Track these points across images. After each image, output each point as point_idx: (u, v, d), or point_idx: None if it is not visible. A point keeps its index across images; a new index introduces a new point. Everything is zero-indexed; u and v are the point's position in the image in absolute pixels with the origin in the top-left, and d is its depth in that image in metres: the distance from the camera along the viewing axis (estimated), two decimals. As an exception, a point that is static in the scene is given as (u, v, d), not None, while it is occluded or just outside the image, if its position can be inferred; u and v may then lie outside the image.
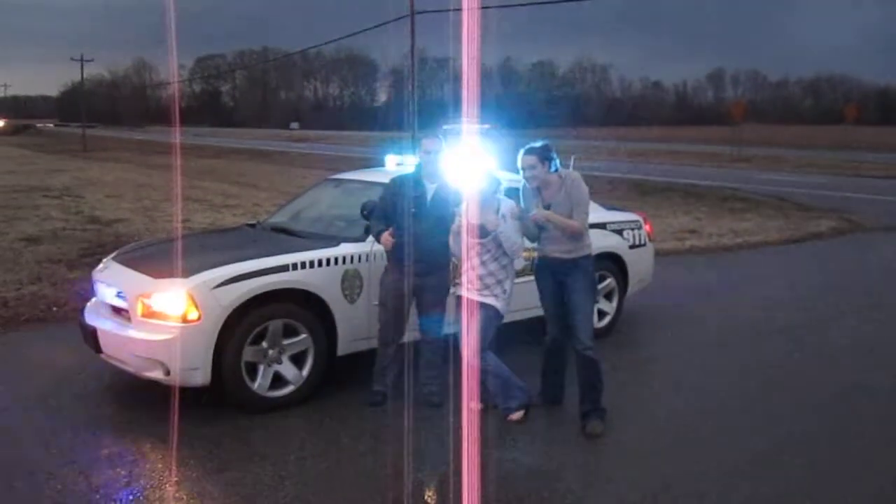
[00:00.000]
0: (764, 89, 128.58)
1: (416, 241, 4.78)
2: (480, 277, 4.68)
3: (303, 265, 4.92)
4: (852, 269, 10.83)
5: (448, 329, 5.05)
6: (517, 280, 4.99)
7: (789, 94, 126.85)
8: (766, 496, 3.92)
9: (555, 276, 4.81)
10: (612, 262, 6.71)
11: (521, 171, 4.74)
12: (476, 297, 4.70)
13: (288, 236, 5.59)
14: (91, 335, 4.96)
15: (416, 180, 4.98)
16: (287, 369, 4.90)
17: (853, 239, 13.73)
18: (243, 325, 4.67)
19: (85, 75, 58.56)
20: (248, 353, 4.72)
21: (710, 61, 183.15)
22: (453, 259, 4.94)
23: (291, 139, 71.64)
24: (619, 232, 6.81)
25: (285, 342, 4.88)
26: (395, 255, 4.84)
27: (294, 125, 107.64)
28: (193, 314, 4.54)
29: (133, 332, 4.71)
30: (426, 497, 3.84)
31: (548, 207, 4.69)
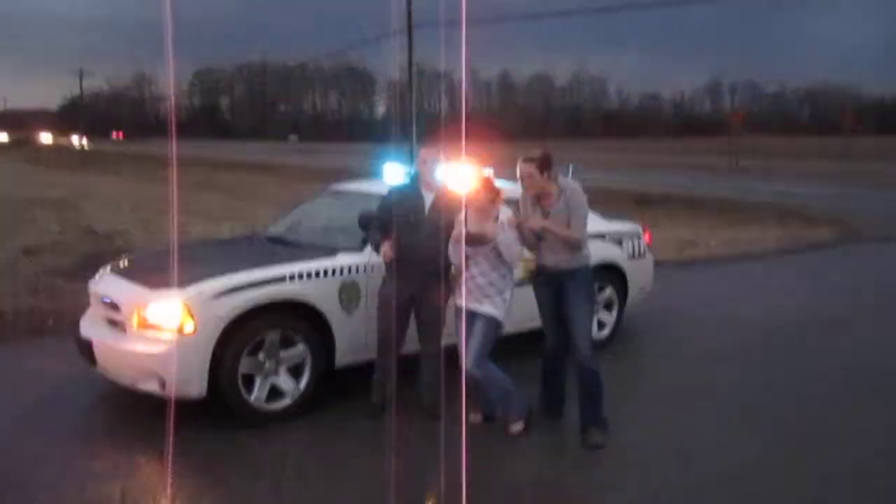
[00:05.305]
0: (761, 100, 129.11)
1: (414, 250, 4.74)
2: (480, 287, 4.64)
3: (300, 276, 4.89)
4: (853, 277, 10.79)
5: (447, 339, 5.00)
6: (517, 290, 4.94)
7: (787, 105, 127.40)
8: (769, 501, 3.88)
9: (552, 285, 4.77)
10: (612, 273, 6.67)
11: (520, 180, 4.71)
12: (476, 307, 4.66)
13: (285, 247, 5.56)
14: (87, 347, 4.91)
15: (413, 190, 4.96)
16: (284, 381, 4.85)
17: (853, 248, 13.70)
18: (240, 337, 4.62)
19: (85, 88, 58.72)
20: (245, 365, 4.68)
21: (707, 73, 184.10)
22: (452, 268, 4.90)
23: (290, 151, 71.68)
24: (619, 242, 6.78)
25: (282, 354, 4.83)
26: (393, 264, 4.80)
27: (293, 137, 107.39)
28: (189, 326, 4.50)
29: (128, 344, 4.67)
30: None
31: (546, 217, 4.66)
